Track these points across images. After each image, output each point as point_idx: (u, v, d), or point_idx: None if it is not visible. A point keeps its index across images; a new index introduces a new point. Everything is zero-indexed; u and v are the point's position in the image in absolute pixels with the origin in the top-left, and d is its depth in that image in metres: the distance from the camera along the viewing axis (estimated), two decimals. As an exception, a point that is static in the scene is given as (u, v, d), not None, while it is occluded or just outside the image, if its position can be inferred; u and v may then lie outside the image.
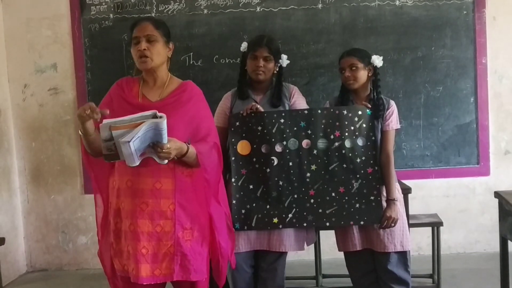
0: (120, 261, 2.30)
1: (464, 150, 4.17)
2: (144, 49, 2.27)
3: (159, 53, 2.31)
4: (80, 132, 2.23)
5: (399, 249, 2.77)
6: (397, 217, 2.72)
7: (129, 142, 2.01)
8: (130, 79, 2.42)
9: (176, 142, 2.17)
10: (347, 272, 3.00)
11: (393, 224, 2.72)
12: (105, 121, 2.06)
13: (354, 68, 2.77)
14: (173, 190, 2.26)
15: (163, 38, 2.33)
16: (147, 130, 2.05)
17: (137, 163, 2.13)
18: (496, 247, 3.01)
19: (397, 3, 4.11)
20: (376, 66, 2.82)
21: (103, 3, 4.19)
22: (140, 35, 2.29)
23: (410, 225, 3.15)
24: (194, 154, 2.25)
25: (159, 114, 2.07)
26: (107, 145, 2.10)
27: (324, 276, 3.71)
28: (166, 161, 2.18)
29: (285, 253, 2.83)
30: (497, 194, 2.92)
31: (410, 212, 3.19)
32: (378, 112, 2.77)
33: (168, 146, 2.12)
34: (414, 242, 4.02)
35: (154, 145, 2.12)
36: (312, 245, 3.33)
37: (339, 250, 2.92)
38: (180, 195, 2.27)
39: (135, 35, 2.31)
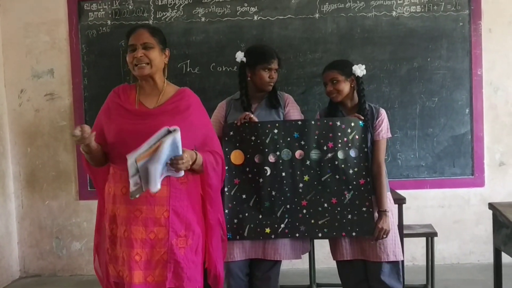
0: (115, 267, 2.30)
1: (459, 161, 4.18)
2: (141, 56, 2.29)
3: (156, 59, 2.32)
4: (83, 151, 2.26)
5: (392, 258, 2.76)
6: (389, 229, 2.71)
7: (158, 163, 2.08)
8: (127, 86, 2.43)
9: (188, 150, 2.21)
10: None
11: (385, 236, 2.72)
12: (128, 156, 2.10)
13: (335, 81, 2.78)
14: (168, 197, 2.26)
15: (159, 45, 2.34)
16: (168, 148, 2.11)
17: (159, 187, 2.17)
18: (490, 258, 3.01)
19: (394, 13, 4.12)
20: (358, 76, 2.83)
21: (101, 10, 4.20)
22: (136, 42, 2.31)
23: (405, 235, 3.15)
24: (200, 161, 2.29)
25: (171, 128, 2.11)
26: (134, 179, 2.14)
27: (318, 285, 3.71)
28: (182, 172, 2.21)
29: (279, 261, 2.83)
30: (491, 206, 2.93)
31: (405, 222, 3.20)
32: (365, 121, 2.77)
33: (185, 155, 2.17)
34: (409, 252, 4.02)
35: (171, 161, 2.16)
36: (307, 254, 3.31)
37: (333, 259, 2.91)
38: (175, 202, 2.28)
39: (132, 43, 2.32)
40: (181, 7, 4.16)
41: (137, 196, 2.17)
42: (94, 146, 2.24)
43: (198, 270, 2.34)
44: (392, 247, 2.76)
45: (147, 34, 2.31)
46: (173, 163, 2.16)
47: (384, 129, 2.80)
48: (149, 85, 2.37)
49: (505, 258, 2.84)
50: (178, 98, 2.37)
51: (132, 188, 2.16)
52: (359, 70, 2.81)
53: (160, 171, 2.13)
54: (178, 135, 2.10)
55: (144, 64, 2.29)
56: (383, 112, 2.83)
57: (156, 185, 2.14)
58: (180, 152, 2.14)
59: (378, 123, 2.79)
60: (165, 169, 2.18)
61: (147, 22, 4.11)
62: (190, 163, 2.21)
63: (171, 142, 2.10)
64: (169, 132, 2.10)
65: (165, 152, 2.09)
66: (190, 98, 2.40)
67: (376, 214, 2.74)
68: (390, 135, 2.85)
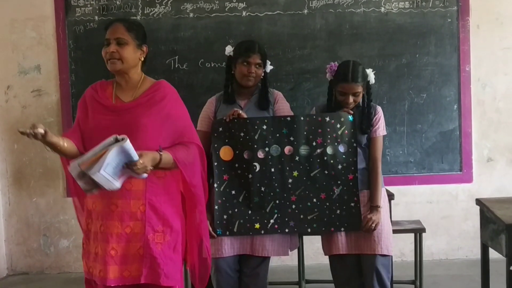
0: (87, 263, 2.29)
1: (447, 157, 4.20)
2: (113, 52, 2.25)
3: (128, 57, 2.28)
4: (47, 149, 2.20)
5: (385, 252, 2.76)
6: (378, 221, 2.72)
7: (99, 172, 2.03)
8: (105, 82, 2.41)
9: (147, 154, 2.15)
10: (330, 278, 2.98)
11: (373, 226, 2.71)
12: (71, 162, 2.11)
13: (357, 94, 2.74)
14: (144, 191, 2.24)
15: (135, 41, 2.30)
16: (116, 156, 2.06)
17: (119, 186, 2.13)
18: (478, 253, 3.02)
19: (383, 10, 4.13)
20: (369, 82, 2.80)
21: (88, 5, 4.17)
22: (110, 37, 2.28)
23: (393, 231, 3.14)
24: (170, 160, 2.23)
25: (119, 137, 2.07)
26: (84, 180, 2.11)
27: (308, 282, 3.71)
28: (145, 175, 2.17)
29: (268, 258, 2.82)
30: (478, 202, 2.94)
31: (393, 218, 3.22)
32: (368, 122, 2.77)
33: (141, 161, 2.11)
34: (397, 248, 4.03)
35: (127, 165, 2.11)
36: (296, 250, 3.32)
37: (325, 254, 2.89)
38: (151, 196, 2.25)
39: (106, 37, 2.30)
40: (169, 2, 4.13)
41: (94, 192, 2.16)
42: (56, 140, 2.16)
43: (178, 268, 2.31)
44: (386, 241, 2.77)
45: (122, 29, 2.28)
46: (129, 168, 2.11)
47: (381, 126, 2.81)
48: (124, 80, 2.34)
49: (492, 253, 2.86)
50: (153, 90, 2.33)
51: (82, 187, 2.14)
52: (372, 78, 2.79)
53: (106, 177, 2.07)
54: (126, 144, 2.05)
55: (115, 60, 2.26)
56: (379, 109, 2.84)
57: (112, 186, 2.11)
58: (135, 158, 2.09)
59: (375, 120, 2.80)
60: (124, 171, 2.13)
61: (134, 18, 4.06)
62: (149, 167, 2.15)
63: (119, 151, 2.05)
64: (117, 140, 2.06)
65: (109, 161, 2.04)
66: (165, 89, 2.36)
67: (364, 209, 2.75)
68: (385, 133, 2.86)
